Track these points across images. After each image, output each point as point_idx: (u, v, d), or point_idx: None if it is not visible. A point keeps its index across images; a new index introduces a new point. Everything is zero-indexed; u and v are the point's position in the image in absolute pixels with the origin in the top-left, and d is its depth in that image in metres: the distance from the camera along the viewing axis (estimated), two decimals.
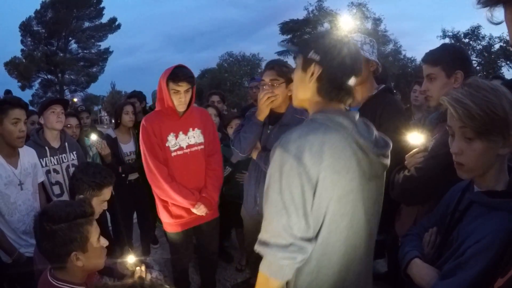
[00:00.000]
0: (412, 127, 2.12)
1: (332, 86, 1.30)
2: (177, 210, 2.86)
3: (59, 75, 41.54)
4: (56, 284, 1.52)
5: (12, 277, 2.54)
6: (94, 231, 1.56)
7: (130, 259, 1.76)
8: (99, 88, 70.52)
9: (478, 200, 1.30)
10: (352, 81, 1.31)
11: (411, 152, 1.88)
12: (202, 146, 2.92)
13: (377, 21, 31.99)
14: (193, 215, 2.87)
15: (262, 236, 1.24)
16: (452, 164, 1.35)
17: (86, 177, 2.16)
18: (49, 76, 41.56)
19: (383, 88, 2.33)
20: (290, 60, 6.98)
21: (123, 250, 3.66)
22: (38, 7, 39.14)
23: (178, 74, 2.64)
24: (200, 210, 2.83)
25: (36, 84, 41.18)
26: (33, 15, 39.44)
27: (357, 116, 1.32)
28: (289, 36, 33.43)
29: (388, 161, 1.36)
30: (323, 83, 1.30)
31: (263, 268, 1.25)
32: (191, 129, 2.88)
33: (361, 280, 1.39)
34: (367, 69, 2.32)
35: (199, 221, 2.95)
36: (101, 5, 41.36)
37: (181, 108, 2.76)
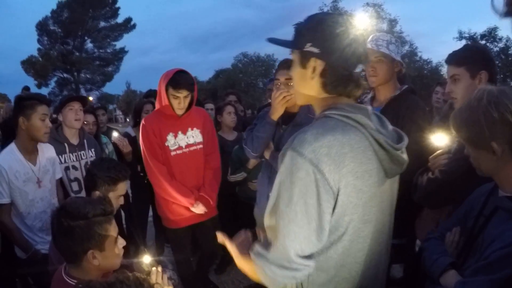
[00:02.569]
0: (435, 128, 2.07)
1: (338, 80, 1.15)
2: (178, 207, 2.92)
3: (75, 73, 42.20)
4: (70, 281, 1.50)
5: (26, 272, 2.56)
6: (112, 230, 1.53)
7: (146, 259, 1.74)
8: (115, 87, 70.87)
9: (503, 205, 1.26)
10: (359, 69, 1.17)
11: (434, 154, 1.84)
12: (201, 146, 2.98)
13: (392, 22, 31.65)
14: (192, 213, 2.93)
15: (263, 248, 1.12)
16: None
17: (100, 172, 2.16)
18: (65, 75, 42.26)
19: (406, 89, 2.28)
20: None
21: (137, 249, 3.66)
22: (55, 7, 39.87)
23: (178, 81, 2.69)
24: (198, 209, 2.89)
25: (52, 83, 42.07)
26: (50, 14, 40.22)
27: (370, 110, 1.19)
28: None
29: (406, 155, 1.23)
30: (328, 77, 1.15)
31: (260, 277, 1.13)
32: (189, 129, 2.94)
33: (378, 283, 1.32)
34: (392, 69, 2.28)
35: (198, 218, 2.98)
36: (117, 5, 41.92)
37: (179, 112, 2.82)
